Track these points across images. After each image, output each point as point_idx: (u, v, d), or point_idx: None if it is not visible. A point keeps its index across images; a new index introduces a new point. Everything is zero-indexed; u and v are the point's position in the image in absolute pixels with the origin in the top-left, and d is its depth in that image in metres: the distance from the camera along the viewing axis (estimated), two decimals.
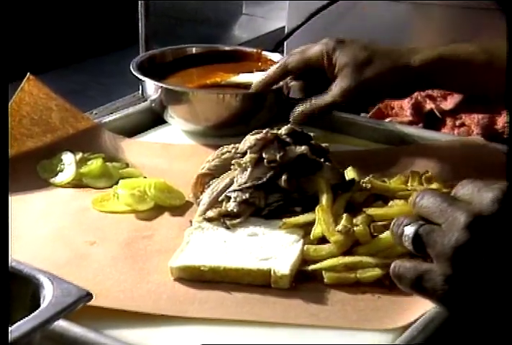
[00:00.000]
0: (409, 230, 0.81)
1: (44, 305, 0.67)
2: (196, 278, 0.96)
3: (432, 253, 0.78)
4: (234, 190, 1.09)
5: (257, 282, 0.95)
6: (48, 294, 0.68)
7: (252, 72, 1.43)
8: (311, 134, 1.19)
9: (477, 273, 0.75)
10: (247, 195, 1.08)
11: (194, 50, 1.49)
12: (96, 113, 1.55)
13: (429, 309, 0.91)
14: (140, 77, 1.34)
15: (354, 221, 1.04)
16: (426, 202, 0.81)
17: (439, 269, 0.77)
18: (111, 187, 1.19)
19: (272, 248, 1.01)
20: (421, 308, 0.92)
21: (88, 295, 0.69)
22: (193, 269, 0.95)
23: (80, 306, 0.69)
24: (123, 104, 1.61)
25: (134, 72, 1.35)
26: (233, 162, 1.13)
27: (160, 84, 1.33)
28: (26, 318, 0.66)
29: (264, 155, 1.11)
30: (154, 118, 1.43)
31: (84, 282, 0.93)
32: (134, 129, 1.41)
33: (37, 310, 0.67)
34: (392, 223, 0.85)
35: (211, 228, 1.04)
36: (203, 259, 0.97)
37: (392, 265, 0.83)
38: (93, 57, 2.26)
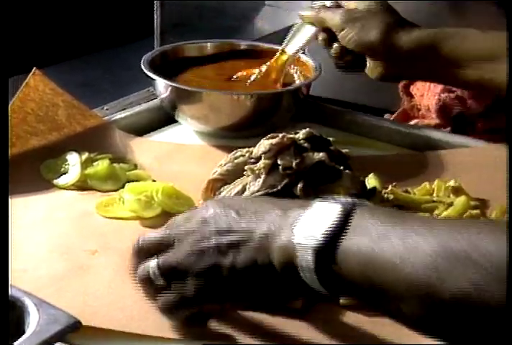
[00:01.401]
0: (152, 264, 0.82)
1: (27, 333, 0.60)
2: None
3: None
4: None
5: None
6: (33, 321, 0.61)
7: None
8: (331, 139, 1.11)
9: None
10: None
11: (209, 46, 1.41)
12: (107, 109, 1.48)
13: None
14: (150, 75, 1.27)
15: None
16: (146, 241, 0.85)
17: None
18: (117, 190, 1.12)
19: None
20: None
21: (76, 323, 0.62)
22: None
23: (68, 335, 0.62)
24: (137, 99, 1.54)
25: (144, 70, 1.28)
26: (246, 167, 1.06)
27: (171, 83, 1.25)
28: None
29: (279, 161, 1.04)
30: (166, 117, 1.35)
31: (83, 297, 0.89)
32: (145, 127, 1.34)
33: (20, 339, 0.60)
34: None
35: None
36: None
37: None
38: (107, 49, 2.19)
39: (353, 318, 0.88)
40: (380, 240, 0.67)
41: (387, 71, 1.24)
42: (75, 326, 0.62)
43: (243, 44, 1.42)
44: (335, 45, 1.26)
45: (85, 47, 2.17)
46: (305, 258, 0.70)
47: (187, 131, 1.35)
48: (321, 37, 1.28)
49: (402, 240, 0.65)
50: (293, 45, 1.31)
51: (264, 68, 1.32)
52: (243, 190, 1.04)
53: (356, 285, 0.70)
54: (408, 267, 0.64)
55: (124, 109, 1.43)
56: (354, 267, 0.68)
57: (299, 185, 1.02)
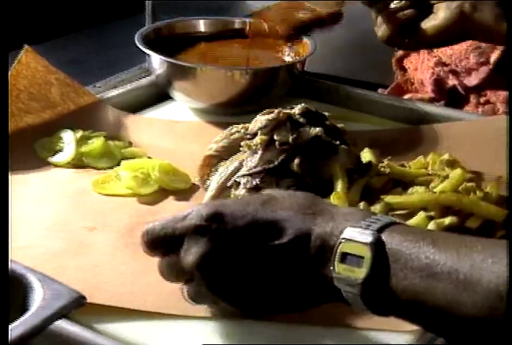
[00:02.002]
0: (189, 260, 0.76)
1: (32, 309, 0.60)
2: None
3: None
4: (244, 175, 1.02)
5: None
6: (38, 297, 0.61)
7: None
8: (326, 114, 1.11)
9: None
10: (258, 180, 1.01)
11: (202, 23, 1.40)
12: (99, 87, 1.47)
13: None
14: (146, 50, 1.26)
15: (372, 209, 0.97)
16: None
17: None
18: (112, 167, 1.12)
19: None
20: None
21: (81, 298, 0.63)
22: None
23: (72, 310, 0.62)
24: (128, 77, 1.54)
25: (139, 45, 1.27)
26: (242, 143, 1.06)
27: (166, 58, 1.24)
28: (14, 324, 0.60)
29: (275, 137, 1.04)
30: (160, 94, 1.35)
31: (82, 273, 0.89)
32: (139, 104, 1.34)
33: (25, 316, 0.60)
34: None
35: None
36: None
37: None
38: (97, 26, 2.17)
39: None
40: (428, 277, 0.65)
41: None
42: (79, 302, 0.62)
43: (237, 22, 1.41)
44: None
45: (75, 24, 2.15)
46: (349, 292, 0.69)
47: (181, 108, 1.34)
48: None
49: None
50: None
51: None
52: (240, 166, 1.04)
53: (407, 309, 0.68)
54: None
55: (116, 87, 1.43)
56: (403, 299, 0.67)
57: (296, 161, 1.02)
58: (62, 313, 0.61)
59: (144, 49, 1.26)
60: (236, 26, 1.41)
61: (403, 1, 1.19)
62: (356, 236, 0.70)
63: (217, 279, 0.75)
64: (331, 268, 0.70)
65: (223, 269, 0.75)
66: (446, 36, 1.19)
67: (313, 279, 0.73)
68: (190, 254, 0.75)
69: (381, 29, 1.23)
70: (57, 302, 0.61)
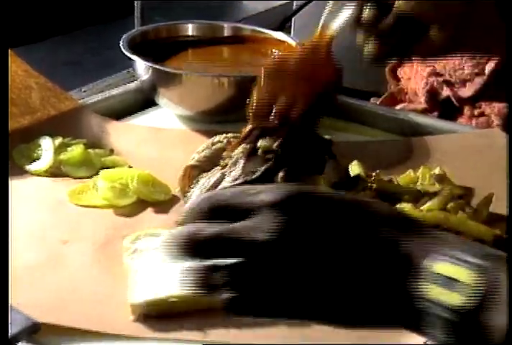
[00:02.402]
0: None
1: None
2: (163, 312, 0.82)
3: None
4: (225, 188, 0.98)
5: None
6: None
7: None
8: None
9: None
10: None
11: (191, 28, 1.36)
12: (84, 91, 1.44)
13: None
14: (130, 55, 1.23)
15: None
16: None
17: None
18: (91, 177, 1.08)
19: None
20: None
21: (35, 326, 0.59)
22: (159, 302, 0.82)
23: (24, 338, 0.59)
24: (115, 81, 1.51)
25: (123, 50, 1.24)
26: (224, 153, 1.02)
27: (151, 64, 1.21)
28: None
29: (259, 144, 1.00)
30: (146, 100, 1.31)
31: (53, 291, 0.86)
32: (124, 110, 1.30)
33: None
34: None
35: (149, 246, 0.90)
36: (166, 288, 0.83)
37: None
38: (92, 26, 2.13)
39: None
40: None
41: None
42: (33, 329, 0.58)
43: (226, 27, 1.37)
44: (387, 18, 1.08)
45: (69, 24, 2.11)
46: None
47: (167, 115, 1.30)
48: (369, 10, 1.09)
49: None
50: (337, 21, 1.10)
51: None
52: (222, 177, 1.00)
53: None
54: None
55: (102, 91, 1.40)
56: None
57: (280, 174, 0.99)
58: (15, 341, 0.57)
59: (128, 54, 1.23)
60: (226, 31, 1.37)
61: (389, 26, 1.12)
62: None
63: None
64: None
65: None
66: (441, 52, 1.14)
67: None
68: (261, 231, 0.63)
69: (367, 48, 1.16)
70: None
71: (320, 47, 1.09)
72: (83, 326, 0.80)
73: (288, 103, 1.01)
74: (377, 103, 1.44)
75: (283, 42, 1.33)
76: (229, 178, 0.99)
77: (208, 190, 0.99)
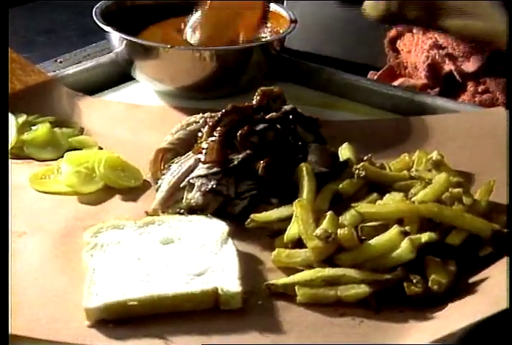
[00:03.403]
0: None
1: None
2: (122, 316, 0.75)
3: None
4: (198, 176, 0.89)
5: (201, 307, 0.76)
6: None
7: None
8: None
9: None
10: (214, 182, 0.88)
11: None
12: (60, 62, 1.34)
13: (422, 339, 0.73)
14: (103, 26, 1.13)
15: (341, 219, 0.85)
16: None
17: None
18: (57, 159, 1.00)
19: (202, 257, 0.81)
20: (410, 338, 0.74)
21: None
22: (117, 306, 0.74)
23: None
24: (94, 51, 1.40)
25: (96, 20, 1.14)
26: (199, 136, 0.93)
27: (126, 36, 1.11)
28: None
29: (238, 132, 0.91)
30: (122, 73, 1.21)
31: None
32: (99, 85, 1.21)
33: None
34: None
35: (111, 241, 0.83)
36: (125, 290, 0.75)
37: None
38: None
39: (310, 319, 0.77)
40: None
41: None
42: None
43: None
44: None
45: None
46: None
47: (145, 90, 1.21)
48: None
49: None
50: None
51: None
52: (195, 164, 0.91)
53: None
54: None
55: (80, 62, 1.30)
56: None
57: (261, 163, 0.89)
58: None
59: (101, 24, 1.13)
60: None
61: None
62: None
63: None
64: None
65: None
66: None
67: None
68: None
69: (368, 6, 1.07)
70: None
71: None
72: (33, 334, 0.72)
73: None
74: (375, 77, 1.34)
75: (275, 13, 1.22)
76: (203, 165, 0.91)
77: (180, 178, 0.91)
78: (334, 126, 1.09)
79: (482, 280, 0.80)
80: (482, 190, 0.95)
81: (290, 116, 0.94)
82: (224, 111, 0.92)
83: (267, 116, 0.92)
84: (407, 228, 0.82)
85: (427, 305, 0.78)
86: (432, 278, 0.79)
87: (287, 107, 0.95)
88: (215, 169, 0.89)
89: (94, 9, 1.16)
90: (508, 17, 1.05)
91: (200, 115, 0.98)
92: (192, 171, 0.91)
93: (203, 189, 0.88)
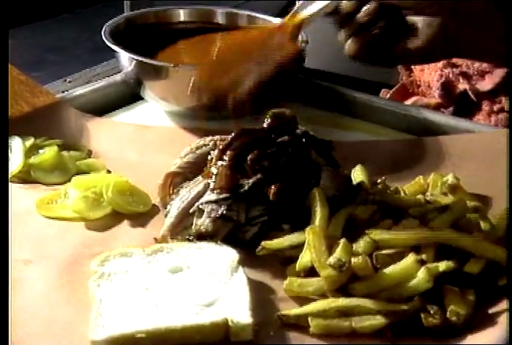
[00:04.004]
0: None
1: None
2: None
3: None
4: (208, 202, 0.87)
5: (211, 339, 0.74)
6: None
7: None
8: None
9: None
10: (224, 208, 0.86)
11: (182, 14, 1.24)
12: (69, 82, 1.33)
13: None
14: (112, 46, 1.11)
15: (354, 246, 0.82)
16: None
17: None
18: (64, 183, 0.98)
19: (211, 286, 0.79)
20: None
21: None
22: (124, 338, 0.72)
23: None
24: (104, 70, 1.39)
25: (105, 39, 1.12)
26: (209, 159, 0.91)
27: (134, 56, 1.09)
28: None
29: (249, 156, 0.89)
30: (132, 93, 1.20)
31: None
32: (108, 105, 1.19)
33: None
34: None
35: (118, 270, 0.81)
36: (132, 322, 0.73)
37: None
38: (85, 8, 2.01)
39: None
40: None
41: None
42: None
43: (220, 13, 1.25)
44: (367, 6, 1.03)
45: (60, 6, 1.99)
46: None
47: (156, 110, 1.19)
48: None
49: None
50: (309, 9, 1.07)
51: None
52: (205, 189, 0.89)
53: None
54: None
55: (89, 82, 1.29)
56: None
57: (273, 188, 0.87)
58: None
59: (110, 44, 1.11)
60: (220, 17, 1.25)
61: (370, 14, 1.03)
62: None
63: None
64: None
65: None
66: (430, 53, 1.06)
67: None
68: None
69: (348, 44, 1.07)
70: None
71: (284, 31, 1.06)
72: None
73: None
74: (388, 95, 1.31)
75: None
76: (213, 191, 0.88)
77: (190, 203, 0.89)
78: (346, 147, 1.07)
79: (502, 311, 0.78)
80: (499, 216, 0.92)
81: (303, 139, 0.92)
82: (233, 134, 0.90)
83: (278, 140, 0.90)
84: (423, 256, 0.80)
85: (445, 336, 0.76)
86: (450, 309, 0.76)
87: (299, 130, 0.93)
88: (225, 195, 0.87)
89: (104, 28, 1.14)
90: (505, 20, 1.03)
91: (210, 138, 0.96)
92: (201, 196, 0.88)
93: (212, 215, 0.86)
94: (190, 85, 1.02)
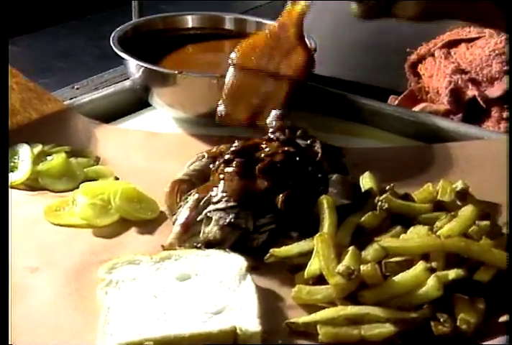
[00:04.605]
0: None
1: None
2: None
3: None
4: (216, 210, 0.87)
5: None
6: None
7: None
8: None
9: None
10: (232, 216, 0.86)
11: (190, 20, 1.24)
12: (77, 88, 1.33)
13: None
14: (120, 53, 1.11)
15: (363, 254, 0.82)
16: None
17: None
18: (72, 190, 0.98)
19: (219, 294, 0.78)
20: None
21: None
22: None
23: None
24: (112, 77, 1.39)
25: (113, 46, 1.12)
26: (213, 169, 0.91)
27: (142, 63, 1.09)
28: None
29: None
30: (141, 100, 1.20)
31: (16, 329, 0.75)
32: (116, 112, 1.19)
33: None
34: None
35: (126, 277, 0.80)
36: (140, 329, 0.73)
37: None
38: (93, 14, 2.01)
39: None
40: None
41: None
42: None
43: (228, 19, 1.25)
44: None
45: (69, 13, 1.99)
46: None
47: (164, 117, 1.19)
48: None
49: None
50: None
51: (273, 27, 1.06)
52: (210, 198, 0.88)
53: None
54: None
55: (97, 89, 1.29)
56: None
57: (280, 198, 0.87)
58: None
59: (118, 51, 1.11)
60: (229, 23, 1.24)
61: None
62: None
63: None
64: None
65: None
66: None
67: None
68: None
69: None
70: None
71: (288, 28, 1.04)
72: None
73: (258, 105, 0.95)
74: (396, 102, 1.31)
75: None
76: (220, 198, 0.88)
77: (198, 210, 0.88)
78: (354, 154, 1.07)
79: (510, 318, 0.77)
80: (507, 221, 0.91)
81: (315, 148, 0.91)
82: (240, 144, 0.90)
83: (286, 148, 0.90)
84: (433, 264, 0.79)
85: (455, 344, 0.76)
86: (461, 317, 0.76)
87: (308, 140, 0.93)
88: (233, 203, 0.86)
89: (112, 35, 1.14)
90: (506, 18, 1.02)
91: (216, 147, 0.95)
92: (209, 204, 0.88)
93: (220, 223, 0.86)
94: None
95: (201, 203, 0.88)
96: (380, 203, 0.89)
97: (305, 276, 0.81)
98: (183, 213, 0.88)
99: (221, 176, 0.88)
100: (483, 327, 0.76)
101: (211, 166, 0.91)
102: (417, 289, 0.78)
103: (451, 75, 1.24)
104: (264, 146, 0.90)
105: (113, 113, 1.19)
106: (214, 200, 0.87)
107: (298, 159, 0.89)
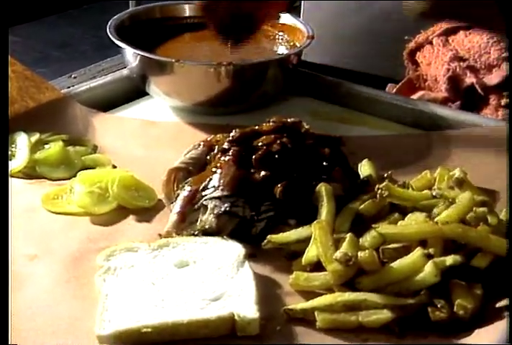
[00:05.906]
0: None
1: None
2: (136, 344, 0.72)
3: None
4: (212, 198, 0.87)
5: (218, 334, 0.73)
6: None
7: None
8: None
9: None
10: (228, 204, 0.86)
11: (187, 9, 1.23)
12: (75, 77, 1.32)
13: None
14: (117, 42, 1.11)
15: (361, 241, 0.82)
16: None
17: None
18: (70, 178, 0.98)
19: (217, 281, 0.79)
20: None
21: None
22: (130, 333, 0.72)
23: None
24: (109, 66, 1.38)
25: (110, 35, 1.12)
26: (209, 157, 0.91)
27: (139, 52, 1.09)
28: None
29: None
30: (138, 89, 1.19)
31: (13, 317, 0.75)
32: (113, 101, 1.19)
33: None
34: None
35: (124, 265, 0.80)
36: (138, 316, 0.73)
37: None
38: (91, 2, 2.00)
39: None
40: None
41: None
42: None
43: None
44: None
45: (67, 2, 1.98)
46: None
47: (161, 106, 1.19)
48: None
49: None
50: None
51: None
52: (209, 185, 0.88)
53: None
54: None
55: (95, 77, 1.29)
56: None
57: (279, 187, 0.86)
58: None
59: (114, 40, 1.11)
60: None
61: None
62: None
63: None
64: None
65: None
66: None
67: None
68: None
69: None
70: None
71: None
72: None
73: None
74: (394, 90, 1.31)
75: (291, 26, 1.20)
76: (217, 187, 0.88)
77: (194, 199, 0.88)
78: (353, 142, 1.07)
79: (510, 305, 0.77)
80: (507, 209, 0.91)
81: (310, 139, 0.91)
82: (236, 133, 0.90)
83: (282, 138, 0.89)
84: (430, 250, 0.79)
85: (452, 330, 0.75)
86: (458, 303, 0.76)
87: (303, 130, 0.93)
88: (227, 192, 0.86)
89: (109, 23, 1.14)
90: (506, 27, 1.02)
91: (212, 136, 0.95)
92: (205, 191, 0.88)
93: (216, 211, 0.86)
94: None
95: (198, 192, 0.88)
96: (380, 191, 0.89)
97: (302, 263, 0.81)
98: (180, 202, 0.88)
99: (218, 165, 0.88)
100: (480, 313, 0.77)
101: (208, 157, 0.91)
102: (414, 275, 0.78)
103: (449, 62, 1.24)
104: (261, 134, 0.89)
105: (110, 101, 1.18)
106: (210, 188, 0.87)
107: (294, 148, 0.89)
